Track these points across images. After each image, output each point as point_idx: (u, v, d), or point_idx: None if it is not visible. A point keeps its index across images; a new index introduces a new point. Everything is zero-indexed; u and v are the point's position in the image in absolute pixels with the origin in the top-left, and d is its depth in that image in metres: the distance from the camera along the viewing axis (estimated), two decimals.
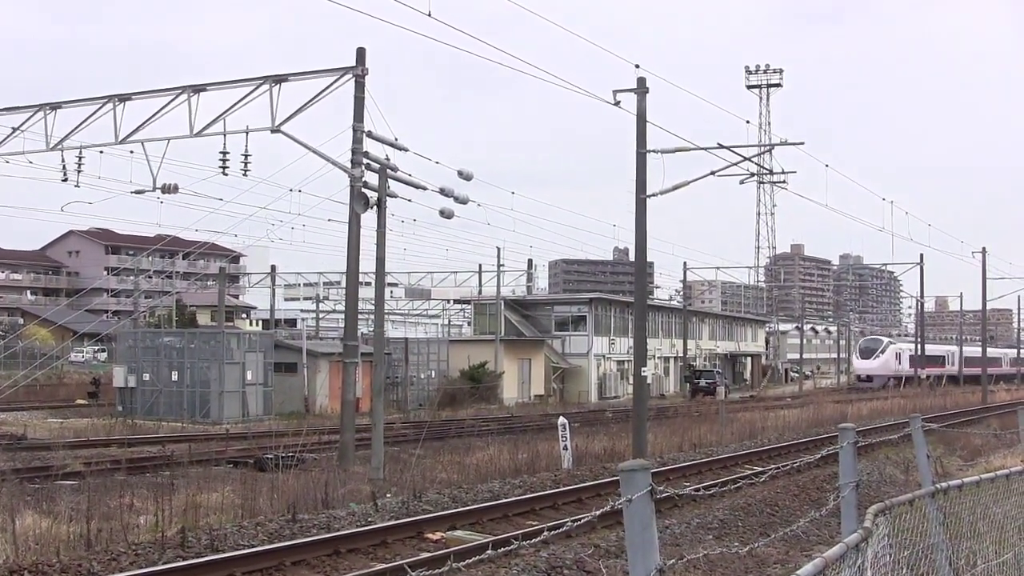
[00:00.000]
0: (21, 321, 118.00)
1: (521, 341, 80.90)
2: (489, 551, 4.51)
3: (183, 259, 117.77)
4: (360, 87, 32.17)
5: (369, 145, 32.10)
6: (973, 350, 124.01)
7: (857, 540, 6.50)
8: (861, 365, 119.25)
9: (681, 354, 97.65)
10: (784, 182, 47.57)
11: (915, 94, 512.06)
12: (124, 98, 36.62)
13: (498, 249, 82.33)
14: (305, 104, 33.50)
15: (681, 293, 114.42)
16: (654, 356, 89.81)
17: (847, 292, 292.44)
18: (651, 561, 4.41)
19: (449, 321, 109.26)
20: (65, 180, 38.25)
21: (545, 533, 4.50)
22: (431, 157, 36.17)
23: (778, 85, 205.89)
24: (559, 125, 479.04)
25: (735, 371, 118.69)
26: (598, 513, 4.71)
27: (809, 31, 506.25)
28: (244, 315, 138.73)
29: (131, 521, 19.53)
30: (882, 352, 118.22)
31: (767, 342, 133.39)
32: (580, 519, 4.46)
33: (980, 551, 10.21)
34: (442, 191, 34.50)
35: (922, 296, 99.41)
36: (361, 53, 32.49)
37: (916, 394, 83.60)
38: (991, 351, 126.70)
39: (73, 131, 37.58)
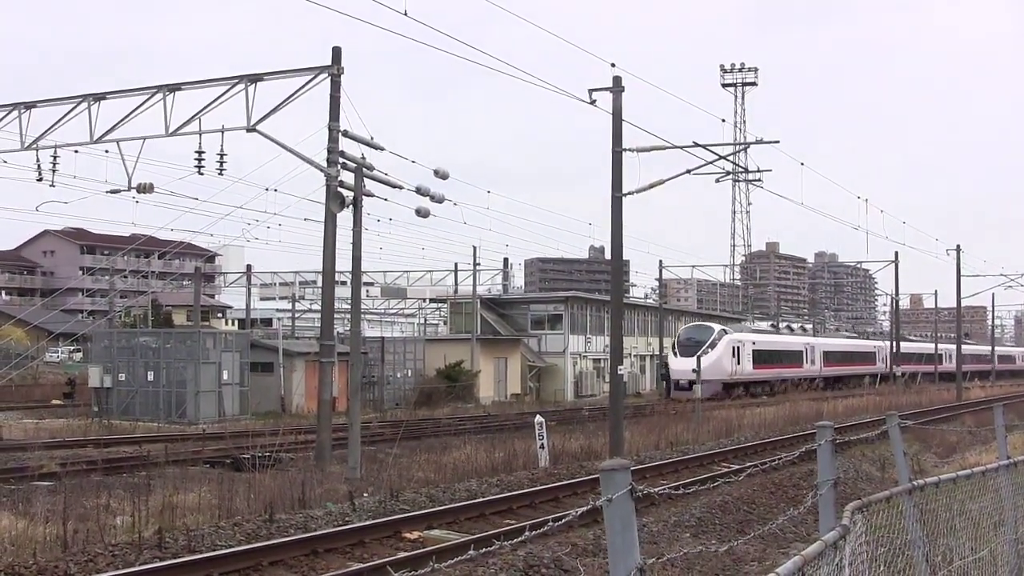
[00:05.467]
0: None
1: (497, 340, 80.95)
2: (471, 551, 4.50)
3: (159, 259, 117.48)
4: (336, 86, 32.12)
5: (345, 144, 32.05)
6: (840, 343, 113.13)
7: (835, 537, 6.53)
8: (679, 365, 79.76)
9: (657, 352, 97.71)
10: (759, 180, 47.69)
11: (889, 92, 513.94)
12: (99, 97, 36.51)
13: (474, 248, 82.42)
14: (281, 103, 33.46)
15: (657, 291, 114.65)
16: (630, 354, 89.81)
17: (822, 290, 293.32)
18: (632, 560, 4.42)
19: (425, 320, 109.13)
20: (40, 180, 38.16)
21: (527, 533, 4.51)
22: (407, 156, 36.17)
23: (753, 84, 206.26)
24: (535, 124, 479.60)
25: None
26: (579, 512, 4.72)
27: (785, 30, 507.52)
28: (220, 315, 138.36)
29: (108, 522, 19.48)
30: (711, 346, 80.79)
31: None
32: (561, 517, 4.47)
33: (956, 547, 10.26)
34: (418, 190, 34.49)
35: (897, 294, 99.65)
36: (337, 52, 32.44)
37: (891, 391, 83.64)
38: (863, 344, 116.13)
39: (48, 130, 37.49)
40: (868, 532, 7.84)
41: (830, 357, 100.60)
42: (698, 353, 74.45)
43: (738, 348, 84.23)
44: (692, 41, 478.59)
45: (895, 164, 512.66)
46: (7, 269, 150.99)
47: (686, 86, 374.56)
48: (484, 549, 4.60)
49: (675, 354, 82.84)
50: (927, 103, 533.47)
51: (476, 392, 72.40)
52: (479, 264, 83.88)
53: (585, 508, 4.67)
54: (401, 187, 34.18)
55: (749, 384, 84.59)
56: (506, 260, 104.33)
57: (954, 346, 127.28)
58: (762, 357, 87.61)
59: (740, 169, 44.55)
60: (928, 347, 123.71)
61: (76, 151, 38.48)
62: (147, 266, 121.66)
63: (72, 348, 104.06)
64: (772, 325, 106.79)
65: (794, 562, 5.61)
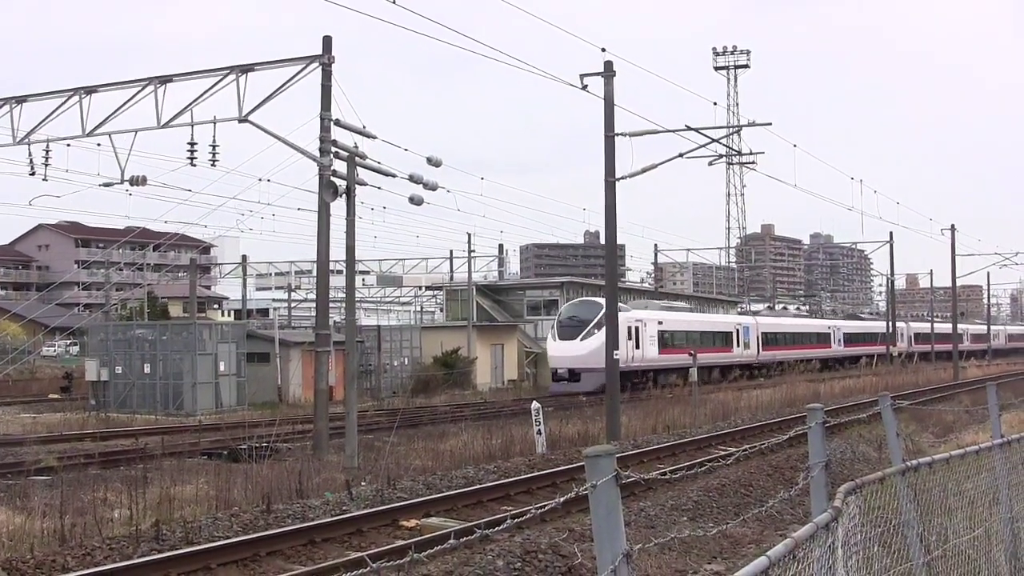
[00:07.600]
0: None
1: (493, 326, 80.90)
2: (451, 541, 4.51)
3: (153, 251, 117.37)
4: (327, 75, 32.07)
5: (337, 133, 32.03)
6: (786, 322, 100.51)
7: (827, 519, 6.53)
8: (559, 351, 65.14)
9: None
10: (753, 163, 47.74)
11: (881, 73, 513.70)
12: (90, 90, 36.44)
13: (469, 235, 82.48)
14: (272, 93, 33.44)
15: (652, 275, 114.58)
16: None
17: (818, 271, 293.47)
18: (618, 546, 4.41)
19: (421, 308, 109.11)
20: (33, 174, 38.06)
21: (508, 521, 4.51)
22: (400, 144, 36.13)
23: (745, 66, 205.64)
24: (527, 110, 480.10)
25: None
26: (562, 500, 4.72)
27: (776, 12, 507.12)
28: (216, 306, 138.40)
29: (105, 515, 19.48)
30: (599, 327, 56.57)
31: None
32: (544, 506, 4.47)
33: (951, 527, 10.27)
34: (411, 178, 34.47)
35: (892, 274, 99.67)
36: (328, 41, 32.39)
37: (889, 371, 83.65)
38: (814, 323, 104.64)
39: (40, 124, 37.41)
40: (863, 513, 7.85)
41: (771, 340, 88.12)
42: (581, 335, 63.86)
43: (637, 328, 67.19)
44: (684, 24, 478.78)
45: (888, 145, 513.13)
46: (2, 264, 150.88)
47: (678, 70, 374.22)
48: (464, 538, 4.60)
49: (554, 337, 66.46)
50: (920, 83, 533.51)
51: (473, 379, 72.38)
52: (474, 251, 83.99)
53: (570, 495, 4.66)
54: (394, 175, 34.19)
55: (655, 373, 67.56)
56: (501, 246, 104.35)
57: (903, 324, 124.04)
58: (673, 340, 71.45)
59: (733, 152, 44.66)
60: (880, 326, 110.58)
61: (68, 145, 38.49)
62: (142, 258, 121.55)
63: (68, 342, 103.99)
64: (768, 307, 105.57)
65: (785, 544, 5.62)
